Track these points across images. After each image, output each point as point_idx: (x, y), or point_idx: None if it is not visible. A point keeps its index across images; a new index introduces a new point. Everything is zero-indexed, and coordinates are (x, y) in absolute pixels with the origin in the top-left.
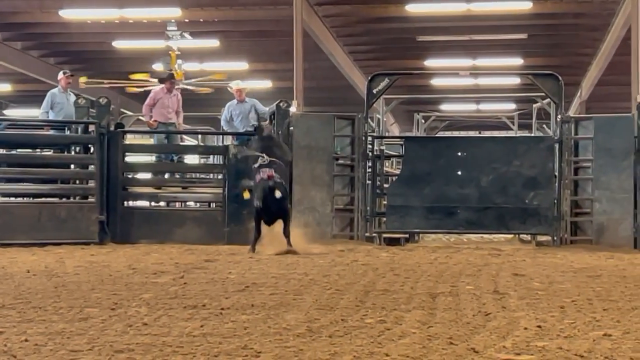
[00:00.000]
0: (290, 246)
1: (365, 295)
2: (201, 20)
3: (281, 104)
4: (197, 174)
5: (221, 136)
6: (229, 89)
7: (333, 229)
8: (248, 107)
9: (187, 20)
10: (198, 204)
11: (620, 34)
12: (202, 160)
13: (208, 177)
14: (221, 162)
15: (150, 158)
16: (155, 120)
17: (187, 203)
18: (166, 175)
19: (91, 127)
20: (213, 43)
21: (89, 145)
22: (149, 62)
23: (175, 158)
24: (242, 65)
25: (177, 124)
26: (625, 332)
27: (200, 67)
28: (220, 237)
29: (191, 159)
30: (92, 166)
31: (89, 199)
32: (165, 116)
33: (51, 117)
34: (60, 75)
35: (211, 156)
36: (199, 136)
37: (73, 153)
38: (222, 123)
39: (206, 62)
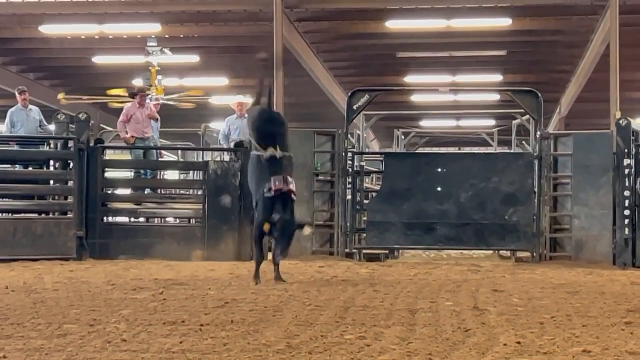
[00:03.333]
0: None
1: (345, 311)
2: (181, 36)
3: None
4: (177, 190)
5: (201, 152)
6: (231, 105)
7: (313, 245)
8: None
9: (167, 36)
10: (178, 220)
11: (599, 50)
12: (182, 176)
13: (188, 193)
14: (201, 178)
15: (130, 174)
16: (132, 136)
17: (167, 219)
18: (146, 191)
19: (70, 143)
20: (193, 59)
21: (68, 161)
22: (128, 77)
23: (149, 174)
24: (223, 81)
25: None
26: (604, 348)
27: (180, 82)
28: (200, 254)
29: (171, 175)
30: (71, 182)
31: (68, 215)
32: (141, 131)
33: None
34: (16, 93)
35: (191, 172)
36: (179, 152)
37: (52, 169)
38: (220, 137)
39: (186, 77)
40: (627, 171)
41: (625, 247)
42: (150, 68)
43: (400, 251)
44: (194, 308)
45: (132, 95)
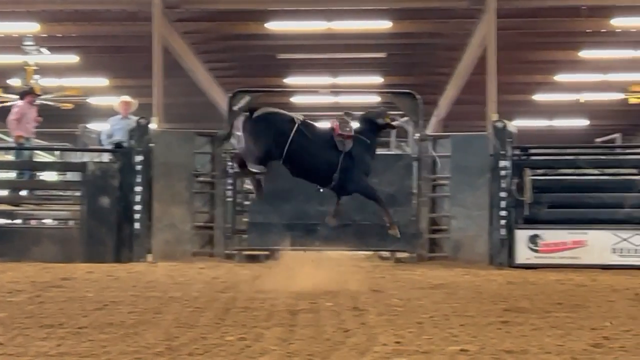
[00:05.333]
0: None
1: (225, 312)
2: (59, 35)
3: (141, 121)
4: (55, 191)
5: (79, 152)
6: (114, 105)
7: (193, 246)
8: (130, 122)
9: (45, 35)
10: (56, 222)
11: (476, 53)
12: (60, 177)
13: (66, 194)
14: (79, 179)
15: (6, 175)
16: (21, 136)
17: (44, 220)
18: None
19: None
20: (72, 58)
21: None
22: (4, 76)
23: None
24: (102, 81)
25: None
26: (481, 347)
27: (59, 82)
28: (78, 255)
29: (48, 176)
30: None
31: None
32: (29, 130)
33: None
34: None
35: (69, 173)
36: (57, 152)
37: None
38: (103, 137)
39: (65, 77)
40: (503, 172)
41: (501, 247)
42: (26, 67)
43: (281, 252)
44: (71, 310)
45: (22, 95)
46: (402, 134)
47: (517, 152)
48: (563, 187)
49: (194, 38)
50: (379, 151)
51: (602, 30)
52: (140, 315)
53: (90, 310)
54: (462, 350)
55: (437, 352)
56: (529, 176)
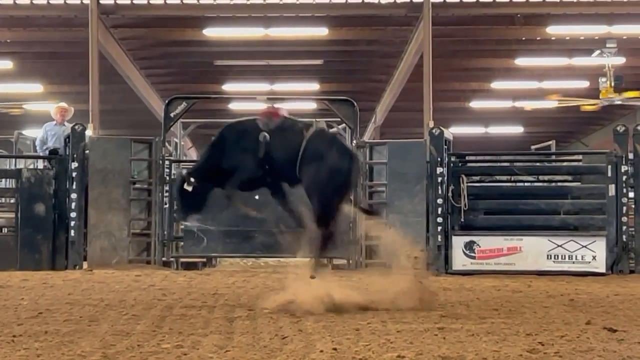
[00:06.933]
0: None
1: (162, 320)
2: None
3: (76, 127)
4: None
5: (13, 159)
6: (50, 111)
7: (130, 254)
8: (66, 129)
9: None
10: None
11: (413, 61)
12: None
13: (0, 201)
14: (13, 186)
15: None
16: None
17: None
18: None
19: None
20: (6, 64)
21: None
22: None
23: None
24: (37, 87)
25: None
26: (418, 353)
27: None
28: (13, 263)
29: None
30: None
31: None
32: None
33: None
34: None
35: (3, 180)
36: None
37: None
38: (37, 143)
39: None
40: (439, 179)
41: (438, 254)
42: None
43: (218, 259)
44: (6, 319)
45: None
46: None
47: (453, 159)
48: (499, 194)
49: (130, 44)
50: None
51: (537, 38)
52: (76, 323)
53: (25, 319)
54: (398, 356)
55: (374, 358)
56: (465, 183)
